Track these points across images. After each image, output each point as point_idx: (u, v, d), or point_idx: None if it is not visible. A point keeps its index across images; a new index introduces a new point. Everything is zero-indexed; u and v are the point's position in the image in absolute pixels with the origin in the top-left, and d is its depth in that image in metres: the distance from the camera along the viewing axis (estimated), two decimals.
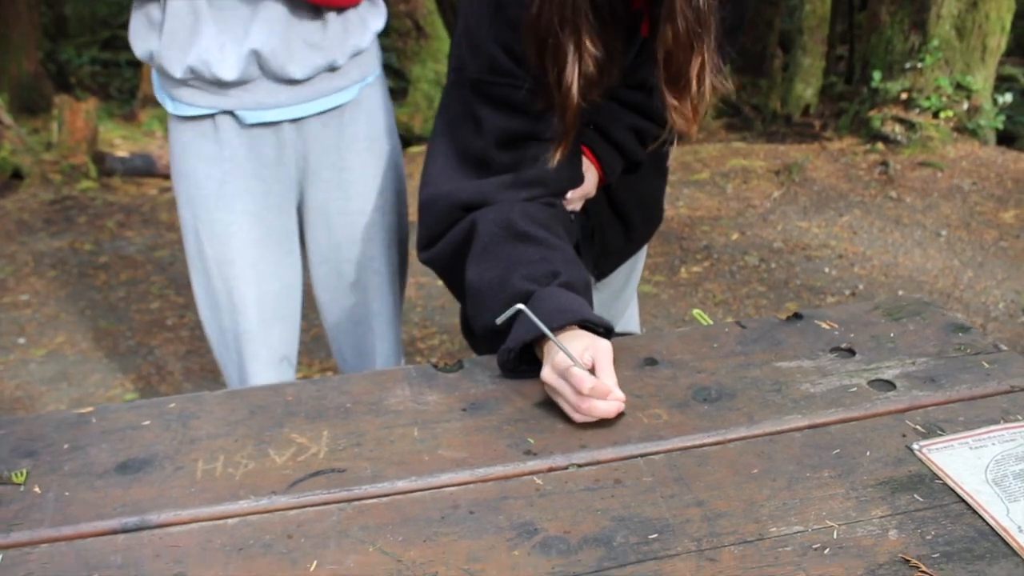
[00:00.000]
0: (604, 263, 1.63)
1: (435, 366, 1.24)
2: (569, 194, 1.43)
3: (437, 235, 1.35)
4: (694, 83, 1.20)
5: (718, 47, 1.20)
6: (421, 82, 7.60)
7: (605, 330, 1.18)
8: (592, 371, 1.08)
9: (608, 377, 1.08)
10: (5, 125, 6.41)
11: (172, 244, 4.69)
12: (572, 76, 1.19)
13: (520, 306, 1.12)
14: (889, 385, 1.16)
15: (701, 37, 1.16)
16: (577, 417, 1.06)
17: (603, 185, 1.49)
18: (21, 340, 3.68)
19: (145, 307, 3.97)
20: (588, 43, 1.17)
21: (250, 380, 1.69)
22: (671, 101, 1.22)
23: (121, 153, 7.01)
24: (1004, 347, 1.27)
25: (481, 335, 1.25)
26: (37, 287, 4.25)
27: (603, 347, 1.12)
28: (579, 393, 1.04)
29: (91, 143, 6.54)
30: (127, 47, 1.66)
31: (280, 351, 1.70)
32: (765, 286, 3.89)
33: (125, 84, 11.09)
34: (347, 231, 1.70)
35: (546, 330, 1.09)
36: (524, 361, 1.17)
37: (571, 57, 1.18)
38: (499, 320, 1.14)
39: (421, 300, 3.85)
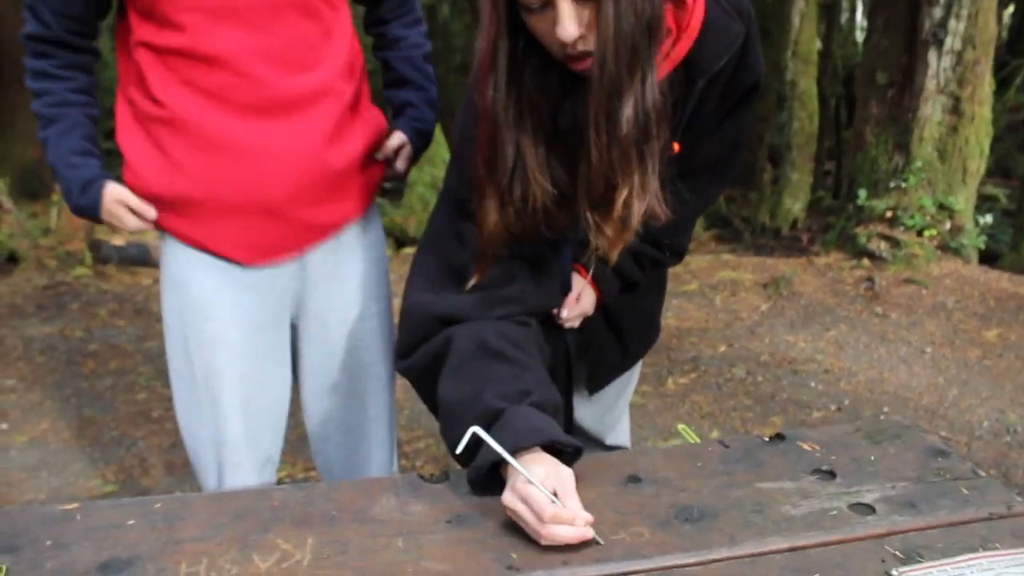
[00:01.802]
0: (598, 377, 1.65)
1: (421, 476, 1.25)
2: (565, 312, 1.46)
3: (413, 345, 1.37)
4: (618, 208, 1.22)
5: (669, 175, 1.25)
6: (417, 185, 7.72)
7: (574, 450, 1.19)
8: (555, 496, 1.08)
9: (571, 501, 1.08)
10: (5, 209, 6.49)
11: (162, 336, 4.69)
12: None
13: (475, 429, 1.13)
14: (869, 509, 1.18)
15: (625, 169, 1.19)
16: (541, 541, 1.06)
17: (601, 304, 1.53)
18: (4, 425, 3.65)
19: (131, 398, 3.95)
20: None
21: (228, 488, 1.66)
22: (593, 220, 1.25)
23: (117, 241, 7.06)
24: (982, 472, 1.29)
25: (452, 451, 1.26)
26: (24, 372, 4.24)
27: (565, 474, 1.12)
28: (540, 519, 1.05)
29: (88, 230, 6.61)
30: None
31: (264, 456, 1.69)
32: (751, 399, 3.91)
33: None
34: (345, 339, 1.70)
35: (504, 453, 1.11)
36: (495, 478, 1.17)
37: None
38: (459, 449, 1.15)
39: (408, 403, 3.84)
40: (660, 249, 1.52)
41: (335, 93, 1.55)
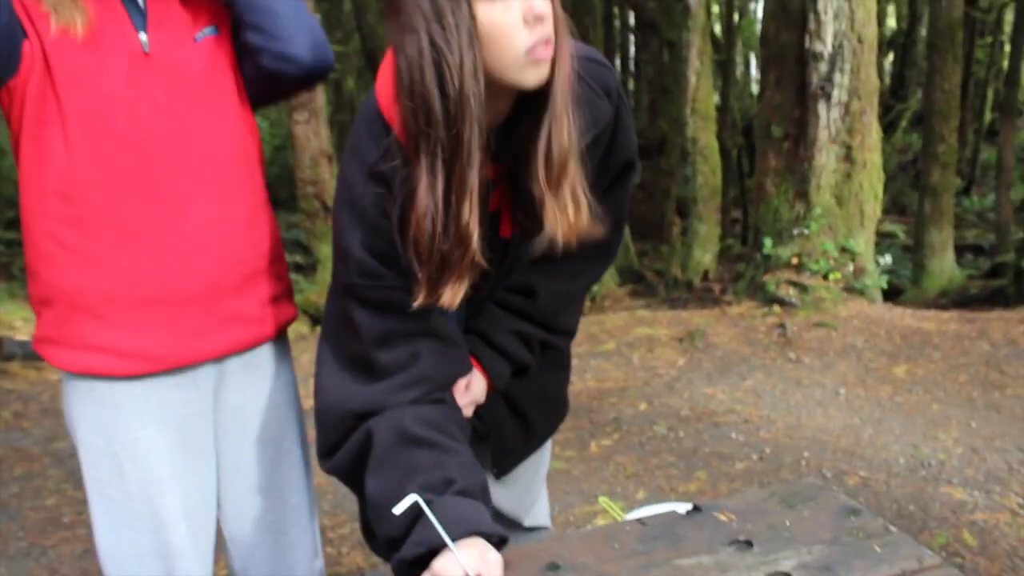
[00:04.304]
0: (504, 460, 1.64)
1: None
2: (459, 401, 1.46)
3: (334, 445, 1.36)
4: (572, 186, 1.25)
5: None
6: (329, 261, 7.66)
7: (499, 539, 1.19)
8: None
9: None
10: None
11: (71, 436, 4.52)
12: (473, 220, 1.20)
13: (415, 497, 1.13)
14: None
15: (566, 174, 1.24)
16: None
17: (492, 391, 1.52)
18: None
19: (40, 504, 3.77)
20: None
21: None
22: (551, 205, 1.25)
23: (21, 336, 6.82)
24: (893, 528, 1.31)
25: (383, 546, 1.24)
26: None
27: (492, 559, 1.13)
28: None
29: None
30: None
31: (207, 567, 1.61)
32: (675, 456, 3.93)
33: None
34: (262, 429, 1.66)
35: (442, 531, 1.11)
36: (418, 570, 1.16)
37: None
38: (396, 510, 1.15)
39: (331, 487, 3.77)
40: (548, 330, 1.53)
41: (251, 168, 1.55)
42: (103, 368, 1.48)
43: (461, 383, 1.46)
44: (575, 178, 1.25)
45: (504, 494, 1.69)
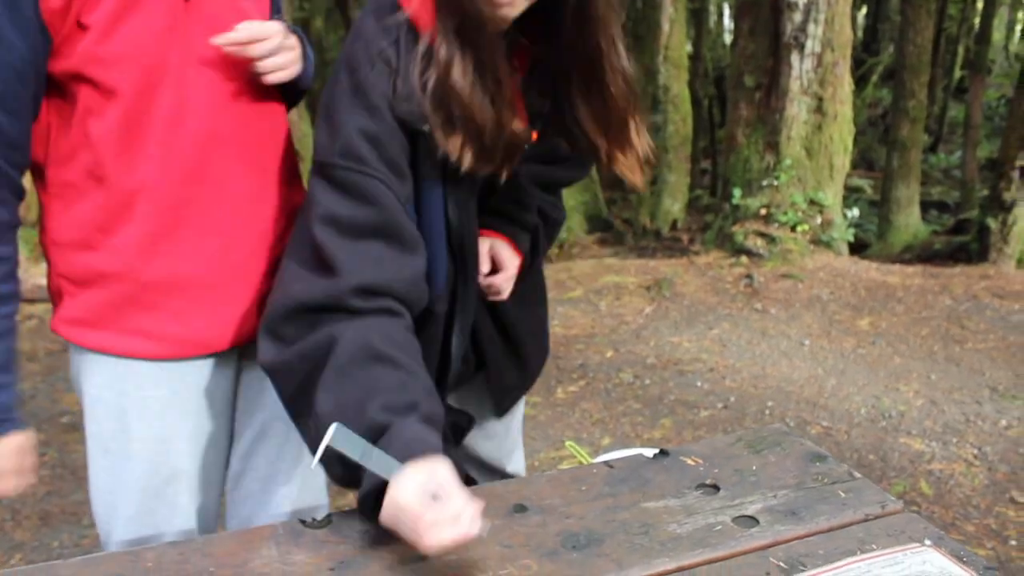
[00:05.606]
0: (504, 399, 1.65)
1: (303, 522, 1.20)
2: (498, 279, 1.50)
3: (282, 338, 1.27)
4: (633, 139, 1.32)
5: None
6: None
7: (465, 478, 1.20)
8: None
9: (454, 501, 1.05)
10: None
11: (32, 376, 4.46)
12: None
13: (335, 426, 1.09)
14: (752, 521, 1.19)
15: (635, 102, 1.30)
16: (428, 552, 1.04)
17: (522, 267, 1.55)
18: None
19: None
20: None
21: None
22: (616, 156, 1.33)
23: None
24: (858, 475, 1.33)
25: (325, 462, 1.18)
26: None
27: (443, 473, 1.08)
28: (417, 533, 1.03)
29: None
30: None
31: (211, 523, 1.54)
32: (640, 403, 3.97)
33: None
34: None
35: (362, 450, 1.09)
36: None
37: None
38: (318, 454, 1.10)
39: None
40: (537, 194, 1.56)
41: (284, 141, 1.47)
42: (142, 351, 1.40)
43: (485, 263, 1.49)
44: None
45: (486, 444, 1.70)
